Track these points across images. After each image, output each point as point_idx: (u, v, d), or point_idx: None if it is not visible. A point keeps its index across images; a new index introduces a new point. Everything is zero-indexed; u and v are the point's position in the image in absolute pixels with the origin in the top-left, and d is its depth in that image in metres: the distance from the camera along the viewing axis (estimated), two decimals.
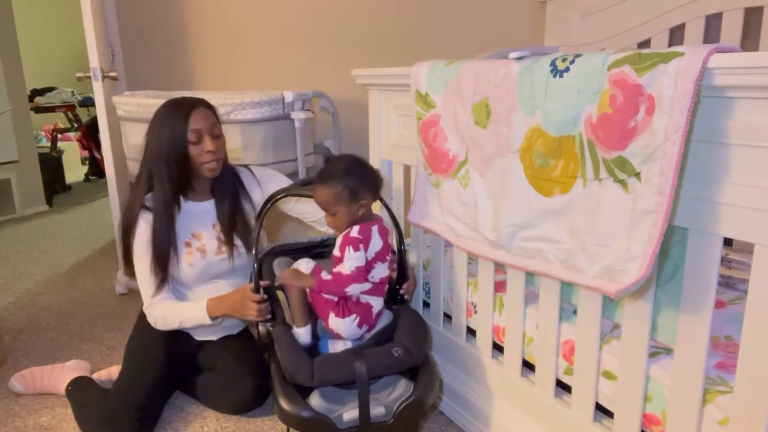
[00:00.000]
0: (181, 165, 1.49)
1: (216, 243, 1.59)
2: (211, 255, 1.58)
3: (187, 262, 1.56)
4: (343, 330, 1.33)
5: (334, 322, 1.33)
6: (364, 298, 1.34)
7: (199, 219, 1.59)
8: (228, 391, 1.56)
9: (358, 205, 1.32)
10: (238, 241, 1.61)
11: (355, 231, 1.31)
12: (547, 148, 1.02)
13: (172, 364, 1.59)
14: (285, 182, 1.72)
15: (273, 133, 2.05)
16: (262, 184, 1.69)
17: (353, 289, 1.30)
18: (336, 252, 1.34)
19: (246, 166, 1.73)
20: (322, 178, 1.32)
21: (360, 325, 1.33)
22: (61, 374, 1.68)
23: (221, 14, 2.80)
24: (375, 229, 1.33)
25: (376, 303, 1.36)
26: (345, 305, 1.33)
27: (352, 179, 1.30)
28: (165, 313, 1.55)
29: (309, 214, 1.76)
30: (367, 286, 1.33)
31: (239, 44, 2.77)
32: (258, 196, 1.67)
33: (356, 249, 1.29)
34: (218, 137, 1.52)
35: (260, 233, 1.47)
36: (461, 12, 2.06)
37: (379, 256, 1.34)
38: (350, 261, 1.29)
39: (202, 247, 1.58)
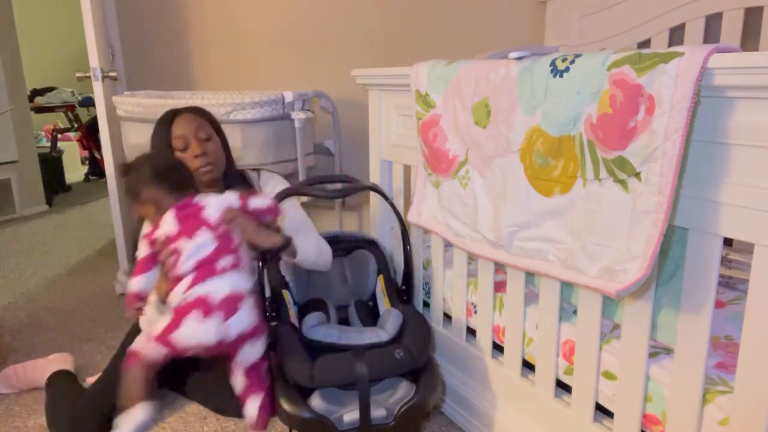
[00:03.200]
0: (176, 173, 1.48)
1: None
2: None
3: None
4: (195, 336, 1.14)
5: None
6: (194, 293, 1.16)
7: None
8: (231, 394, 1.55)
9: (143, 201, 1.24)
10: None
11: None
12: (547, 148, 1.02)
13: (159, 370, 1.55)
14: (282, 188, 1.62)
15: (273, 133, 2.05)
16: (263, 192, 1.63)
17: (137, 284, 1.22)
18: None
19: (257, 169, 1.70)
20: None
21: (205, 317, 1.13)
22: (45, 367, 1.69)
23: (221, 14, 2.80)
24: (170, 212, 1.23)
25: (217, 287, 1.17)
26: (176, 319, 1.15)
27: (128, 179, 1.26)
28: None
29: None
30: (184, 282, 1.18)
31: (239, 44, 2.77)
32: None
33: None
34: (207, 140, 1.49)
35: None
36: (461, 12, 2.06)
37: (179, 236, 1.20)
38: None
39: None
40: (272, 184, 1.66)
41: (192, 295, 1.16)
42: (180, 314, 1.15)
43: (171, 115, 1.50)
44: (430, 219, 1.42)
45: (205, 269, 1.19)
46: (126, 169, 1.27)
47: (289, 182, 2.12)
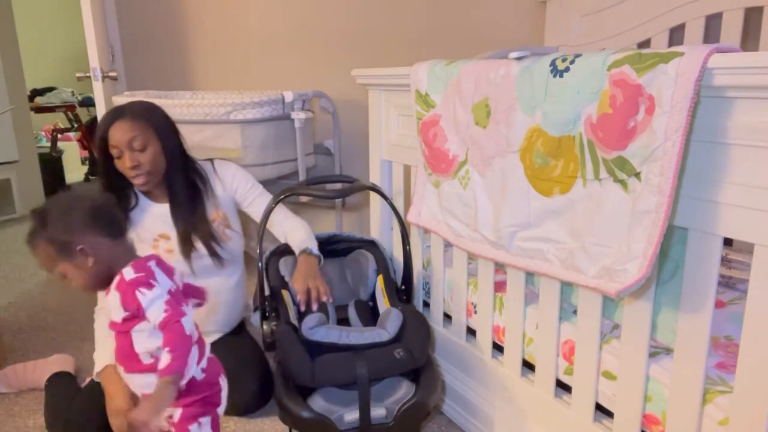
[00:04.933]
0: (111, 178, 1.51)
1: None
2: (178, 255, 1.55)
3: None
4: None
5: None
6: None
7: (164, 220, 1.57)
8: (233, 393, 1.54)
9: (78, 251, 0.98)
10: (199, 244, 1.57)
11: (128, 273, 0.97)
12: (547, 148, 1.03)
13: None
14: (244, 179, 1.68)
15: (273, 133, 2.05)
16: (224, 182, 1.65)
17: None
18: (116, 316, 0.99)
19: (211, 160, 1.69)
20: (28, 242, 1.00)
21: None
22: (45, 367, 1.69)
23: (221, 14, 2.80)
24: (153, 263, 1.02)
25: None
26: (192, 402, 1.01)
27: (50, 228, 0.97)
28: (99, 327, 1.54)
29: (257, 216, 1.67)
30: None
31: (239, 44, 2.77)
32: (220, 191, 1.64)
33: (149, 286, 0.96)
34: (142, 151, 1.45)
35: (262, 234, 1.48)
36: (461, 12, 2.06)
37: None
38: (158, 302, 0.95)
39: (169, 247, 1.56)
40: (231, 173, 1.67)
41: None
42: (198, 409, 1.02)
43: (110, 119, 1.46)
44: (430, 219, 1.42)
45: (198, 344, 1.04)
46: (68, 202, 1.00)
47: (289, 182, 2.13)
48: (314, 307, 1.42)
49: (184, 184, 1.57)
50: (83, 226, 0.98)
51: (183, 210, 1.56)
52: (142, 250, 1.53)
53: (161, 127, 1.51)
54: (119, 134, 1.44)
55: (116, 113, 1.47)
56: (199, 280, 1.59)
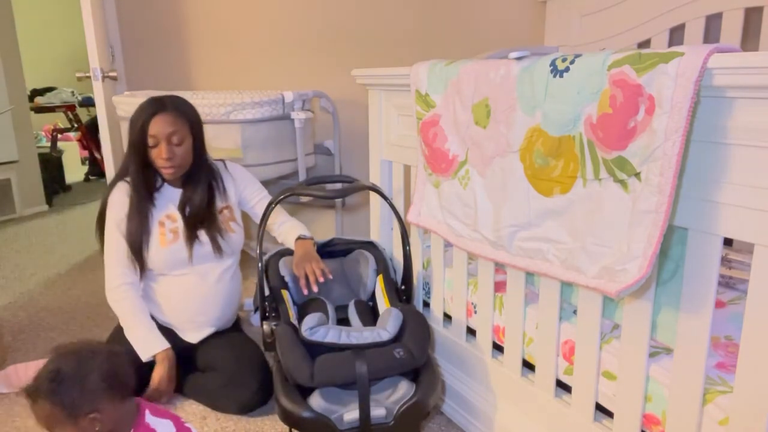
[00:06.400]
0: (143, 162, 1.56)
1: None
2: (182, 238, 1.61)
3: (158, 241, 1.59)
4: None
5: None
6: None
7: (174, 203, 1.63)
8: (233, 391, 1.55)
9: (89, 419, 0.94)
10: (202, 233, 1.62)
11: None
12: (547, 148, 1.03)
13: (149, 369, 1.54)
14: (253, 180, 1.79)
15: (273, 133, 2.05)
16: (236, 179, 1.74)
17: None
18: None
19: (222, 160, 1.77)
20: (30, 395, 0.95)
21: None
22: None
23: (221, 14, 2.80)
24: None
25: None
26: None
27: (64, 391, 0.93)
28: (126, 304, 1.58)
29: (258, 217, 1.73)
30: None
31: (239, 44, 2.77)
32: (231, 187, 1.72)
33: None
34: (178, 145, 1.54)
35: (262, 234, 1.48)
36: (461, 12, 2.06)
37: None
38: None
39: (174, 228, 1.61)
40: (242, 172, 1.78)
41: None
42: None
43: (153, 109, 1.51)
44: (430, 219, 1.42)
45: None
46: (82, 364, 0.95)
47: (289, 182, 2.14)
48: (315, 289, 1.51)
49: (201, 177, 1.64)
50: (99, 391, 0.95)
51: (194, 199, 1.62)
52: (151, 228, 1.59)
53: (196, 125, 1.59)
54: (161, 126, 1.51)
55: (159, 105, 1.53)
56: (196, 266, 1.61)
